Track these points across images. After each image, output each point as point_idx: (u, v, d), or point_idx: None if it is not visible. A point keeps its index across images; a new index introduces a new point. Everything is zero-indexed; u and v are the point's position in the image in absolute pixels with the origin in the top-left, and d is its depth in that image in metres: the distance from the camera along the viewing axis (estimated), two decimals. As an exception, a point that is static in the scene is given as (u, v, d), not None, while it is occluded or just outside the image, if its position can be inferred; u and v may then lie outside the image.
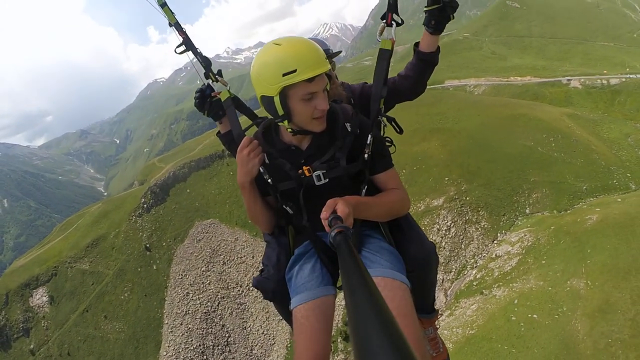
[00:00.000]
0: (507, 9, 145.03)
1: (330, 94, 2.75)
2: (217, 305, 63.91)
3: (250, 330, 61.84)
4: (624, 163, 61.62)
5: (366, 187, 2.49)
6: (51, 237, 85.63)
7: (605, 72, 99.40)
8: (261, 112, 2.72)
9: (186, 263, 67.54)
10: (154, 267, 67.98)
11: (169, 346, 60.90)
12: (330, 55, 3.04)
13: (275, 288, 2.61)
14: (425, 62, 2.89)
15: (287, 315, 2.51)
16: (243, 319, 62.92)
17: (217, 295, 64.52)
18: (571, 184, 54.02)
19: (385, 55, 2.69)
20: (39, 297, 66.86)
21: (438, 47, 2.85)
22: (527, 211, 50.63)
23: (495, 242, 46.76)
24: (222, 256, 67.77)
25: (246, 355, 60.14)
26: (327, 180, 2.36)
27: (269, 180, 2.47)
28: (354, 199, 2.24)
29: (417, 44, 2.88)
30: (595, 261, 34.85)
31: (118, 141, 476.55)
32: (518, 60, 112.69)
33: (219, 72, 3.09)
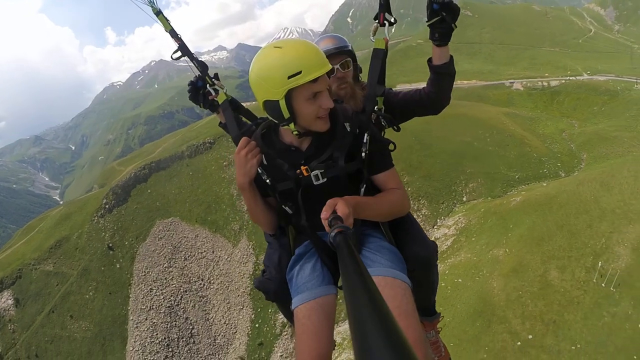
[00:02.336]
0: (460, 17, 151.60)
1: (337, 90, 3.06)
2: (180, 299, 65.99)
3: (213, 321, 64.25)
4: (555, 154, 68.26)
5: (365, 186, 2.48)
6: (12, 241, 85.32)
7: (546, 75, 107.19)
8: (258, 112, 2.77)
9: (149, 260, 69.35)
10: (117, 266, 69.30)
11: (134, 341, 62.45)
12: (349, 51, 3.18)
13: (277, 289, 2.63)
14: (441, 75, 2.94)
15: (290, 315, 2.51)
16: (205, 310, 65.26)
17: (180, 289, 66.63)
18: (504, 173, 60.12)
19: (379, 55, 2.75)
20: (4, 301, 66.83)
21: (451, 57, 2.89)
22: (464, 199, 56.28)
23: (435, 227, 52.05)
24: (183, 252, 70.03)
25: (210, 345, 62.49)
26: (326, 179, 2.37)
27: (268, 181, 2.48)
28: (354, 199, 2.24)
29: (430, 59, 2.94)
30: (515, 234, 40.73)
31: (73, 147, 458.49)
32: (467, 65, 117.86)
33: (216, 76, 3.15)
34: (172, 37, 3.13)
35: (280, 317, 58.54)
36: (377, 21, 2.76)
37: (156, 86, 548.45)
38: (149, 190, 78.33)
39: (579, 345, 29.87)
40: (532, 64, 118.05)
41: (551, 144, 72.80)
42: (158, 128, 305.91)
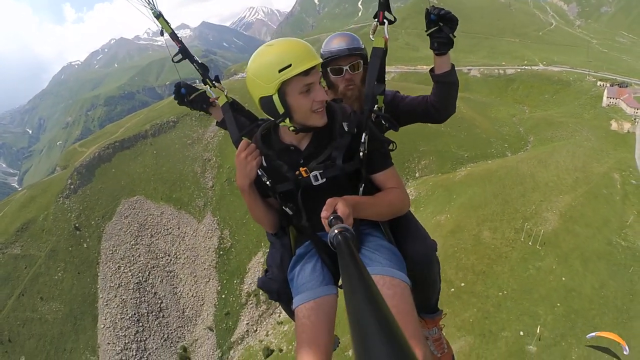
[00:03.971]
0: (425, 5, 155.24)
1: (343, 89, 3.13)
2: (148, 275, 68.10)
3: (181, 294, 66.84)
4: (503, 136, 73.91)
5: (363, 185, 2.49)
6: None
7: (503, 63, 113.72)
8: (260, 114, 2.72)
9: (115, 239, 70.90)
10: (85, 245, 70.46)
11: (105, 319, 64.20)
12: (361, 53, 3.16)
13: (279, 288, 2.66)
14: (443, 84, 2.99)
15: (293, 314, 2.50)
16: (173, 285, 67.73)
17: (147, 265, 68.70)
18: (454, 152, 65.43)
19: (378, 54, 2.73)
20: None
21: (452, 65, 2.94)
22: (417, 175, 61.21)
23: (389, 202, 56.93)
24: (149, 229, 71.97)
25: (179, 317, 65.04)
26: (325, 180, 2.39)
27: (268, 183, 2.48)
28: (354, 198, 2.27)
29: (432, 69, 3.00)
30: (457, 202, 46.13)
31: (31, 131, 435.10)
32: (429, 52, 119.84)
33: (217, 78, 3.16)
34: (173, 39, 3.16)
35: (246, 287, 61.49)
36: (376, 19, 2.74)
37: (116, 65, 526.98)
38: (113, 170, 79.19)
39: (505, 292, 35.15)
40: (491, 53, 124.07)
41: (501, 126, 78.44)
42: (118, 109, 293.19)
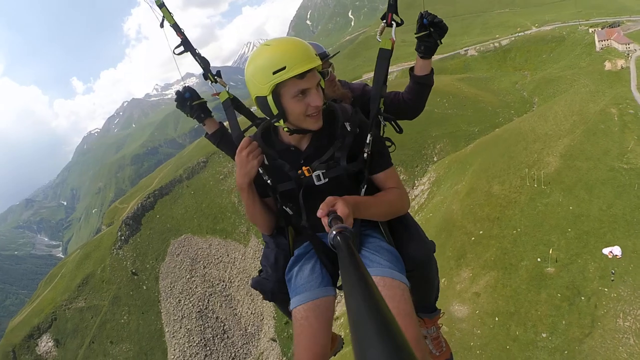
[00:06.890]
0: None
1: (331, 94, 3.08)
2: (208, 303, 72.30)
3: (241, 314, 70.76)
4: (509, 104, 76.82)
5: (365, 186, 2.48)
6: (39, 291, 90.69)
7: (497, 36, 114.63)
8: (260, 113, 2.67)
9: (172, 276, 75.65)
10: (144, 287, 75.54)
11: (174, 350, 68.42)
12: (328, 56, 3.16)
13: (274, 288, 2.63)
14: (420, 85, 3.03)
15: (289, 314, 2.47)
16: (232, 307, 71.73)
17: (205, 294, 73.01)
18: (465, 130, 68.87)
19: (385, 55, 2.68)
20: (45, 344, 72.02)
21: (432, 69, 2.98)
22: (435, 159, 64.64)
23: (414, 187, 60.32)
24: (201, 262, 76.41)
25: (242, 335, 68.83)
26: (327, 180, 2.36)
27: (269, 182, 2.45)
28: (353, 198, 2.22)
29: (412, 68, 3.01)
30: (471, 170, 49.83)
31: (65, 203, 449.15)
32: None
33: (218, 73, 3.08)
34: (175, 30, 3.07)
35: (299, 294, 65.74)
36: (384, 21, 2.67)
37: (134, 126, 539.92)
38: (157, 216, 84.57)
39: (519, 229, 38.66)
40: (485, 29, 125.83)
41: (505, 96, 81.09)
42: (145, 165, 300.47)
